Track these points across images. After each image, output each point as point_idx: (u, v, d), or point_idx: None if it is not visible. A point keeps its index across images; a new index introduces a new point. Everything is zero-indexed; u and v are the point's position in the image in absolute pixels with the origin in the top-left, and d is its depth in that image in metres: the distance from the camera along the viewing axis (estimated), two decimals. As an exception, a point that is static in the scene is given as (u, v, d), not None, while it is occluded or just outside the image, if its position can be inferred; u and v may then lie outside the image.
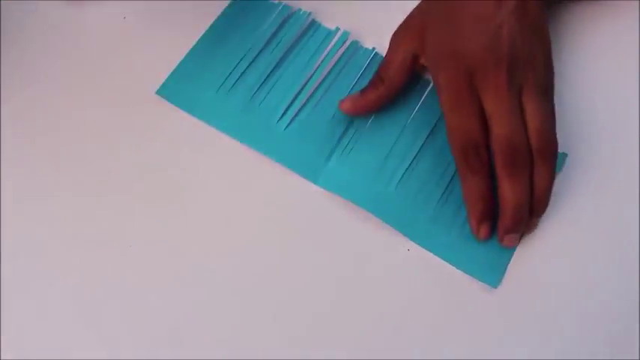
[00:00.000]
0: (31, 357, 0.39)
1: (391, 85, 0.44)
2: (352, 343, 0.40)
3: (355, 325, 0.40)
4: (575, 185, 0.43)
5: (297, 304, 0.41)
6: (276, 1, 0.49)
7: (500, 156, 0.40)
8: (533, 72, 0.41)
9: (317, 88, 0.46)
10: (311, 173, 0.43)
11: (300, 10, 0.48)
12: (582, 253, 0.41)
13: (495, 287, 0.41)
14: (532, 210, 0.41)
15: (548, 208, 0.42)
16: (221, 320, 0.40)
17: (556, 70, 0.43)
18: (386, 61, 0.44)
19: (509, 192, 0.40)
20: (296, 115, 0.45)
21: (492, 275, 0.41)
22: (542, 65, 0.42)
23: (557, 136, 0.42)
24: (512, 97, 0.40)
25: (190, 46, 0.48)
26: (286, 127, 0.45)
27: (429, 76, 0.46)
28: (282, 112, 0.45)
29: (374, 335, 0.40)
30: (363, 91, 0.44)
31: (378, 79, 0.44)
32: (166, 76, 0.46)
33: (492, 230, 0.41)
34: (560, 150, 0.43)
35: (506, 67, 0.40)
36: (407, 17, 0.44)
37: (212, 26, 0.48)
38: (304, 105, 0.45)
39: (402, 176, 0.43)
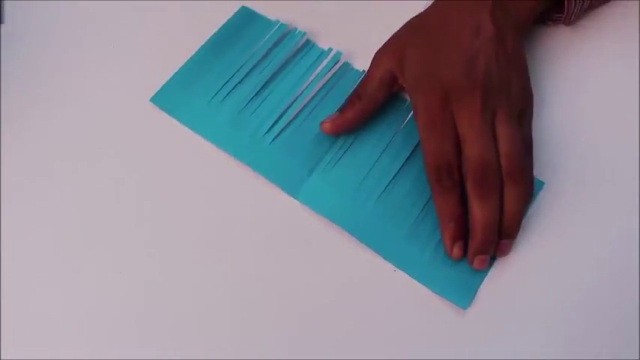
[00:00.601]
0: (30, 357, 0.40)
1: (369, 102, 0.45)
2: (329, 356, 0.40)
3: (333, 338, 0.41)
4: (552, 212, 0.44)
5: (275, 316, 0.41)
6: (274, 20, 0.50)
7: (471, 177, 0.40)
8: (507, 98, 0.42)
9: (305, 106, 0.47)
10: (291, 187, 0.44)
11: (295, 29, 0.50)
12: (555, 280, 0.42)
13: (464, 309, 0.41)
14: (502, 232, 0.41)
15: (525, 234, 0.42)
16: (198, 333, 0.41)
17: (536, 97, 0.44)
18: (365, 78, 0.45)
19: (478, 212, 0.40)
20: (282, 130, 0.46)
21: (462, 297, 0.41)
22: (518, 92, 0.43)
23: (536, 163, 0.43)
24: (485, 121, 0.41)
25: (188, 57, 0.49)
26: (272, 141, 0.46)
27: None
28: (269, 126, 0.46)
29: (348, 350, 0.40)
30: (340, 110, 0.45)
31: (355, 96, 0.45)
32: (161, 85, 0.48)
33: (465, 250, 0.42)
34: (538, 177, 0.44)
35: (480, 93, 0.41)
36: (390, 38, 0.46)
37: (210, 39, 0.50)
38: (291, 121, 0.47)
39: (380, 195, 0.44)
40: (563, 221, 0.43)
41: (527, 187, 0.42)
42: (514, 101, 0.42)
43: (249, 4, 0.51)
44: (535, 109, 0.45)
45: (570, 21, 0.49)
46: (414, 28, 0.45)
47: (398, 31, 0.46)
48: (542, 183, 0.44)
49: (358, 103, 0.45)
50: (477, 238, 0.41)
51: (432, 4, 0.46)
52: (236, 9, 0.51)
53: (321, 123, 0.45)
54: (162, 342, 0.40)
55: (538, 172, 0.44)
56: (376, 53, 0.46)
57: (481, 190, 0.40)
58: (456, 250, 0.41)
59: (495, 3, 0.44)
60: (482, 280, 0.42)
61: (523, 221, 0.42)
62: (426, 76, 0.42)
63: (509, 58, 0.43)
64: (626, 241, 0.42)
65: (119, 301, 0.41)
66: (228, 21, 0.51)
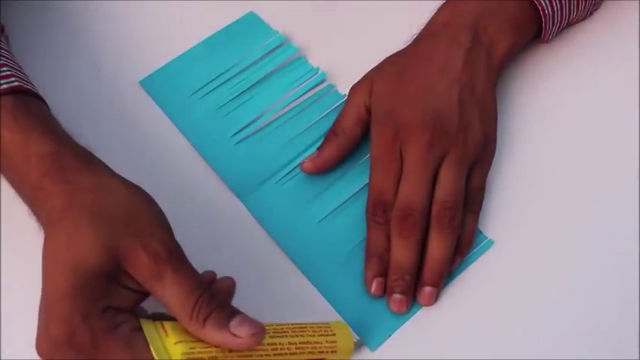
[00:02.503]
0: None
1: (346, 138, 0.45)
2: None
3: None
4: (496, 273, 0.43)
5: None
6: (275, 30, 0.52)
7: (394, 215, 0.41)
8: (462, 144, 0.42)
9: (277, 118, 0.48)
10: (242, 192, 0.46)
11: (290, 43, 0.51)
12: (480, 341, 0.41)
13: (372, 350, 0.41)
14: (423, 278, 0.41)
15: (460, 289, 0.42)
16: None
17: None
18: (342, 114, 0.46)
19: (393, 250, 0.41)
20: (249, 136, 0.48)
21: (373, 337, 0.41)
22: (477, 139, 0.43)
23: (487, 219, 0.43)
24: (427, 163, 0.41)
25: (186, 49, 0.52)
26: (236, 143, 0.47)
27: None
28: (239, 129, 0.48)
29: None
30: (319, 149, 0.45)
31: (332, 133, 0.45)
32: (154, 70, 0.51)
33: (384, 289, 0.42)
34: (488, 234, 0.43)
35: (430, 133, 0.41)
36: (368, 71, 0.46)
37: (211, 37, 0.52)
38: (261, 129, 0.48)
39: (323, 219, 0.44)
40: (505, 284, 0.42)
41: (454, 238, 0.41)
42: (470, 148, 0.42)
43: (261, 13, 0.53)
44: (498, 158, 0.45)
45: (548, 40, 0.48)
46: (389, 62, 0.46)
47: (377, 65, 0.46)
48: (490, 241, 0.44)
49: (335, 139, 0.45)
50: (391, 275, 0.41)
51: (415, 39, 0.47)
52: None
53: (301, 163, 0.45)
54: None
55: (489, 229, 0.44)
56: (352, 87, 0.46)
57: (400, 229, 0.40)
58: (375, 286, 0.41)
59: (473, 41, 0.44)
60: (399, 326, 0.41)
61: (463, 275, 0.42)
62: (386, 112, 0.43)
63: (475, 101, 0.43)
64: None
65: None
66: (233, 23, 0.53)
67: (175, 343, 0.33)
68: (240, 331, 0.33)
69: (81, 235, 0.32)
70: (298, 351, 0.36)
